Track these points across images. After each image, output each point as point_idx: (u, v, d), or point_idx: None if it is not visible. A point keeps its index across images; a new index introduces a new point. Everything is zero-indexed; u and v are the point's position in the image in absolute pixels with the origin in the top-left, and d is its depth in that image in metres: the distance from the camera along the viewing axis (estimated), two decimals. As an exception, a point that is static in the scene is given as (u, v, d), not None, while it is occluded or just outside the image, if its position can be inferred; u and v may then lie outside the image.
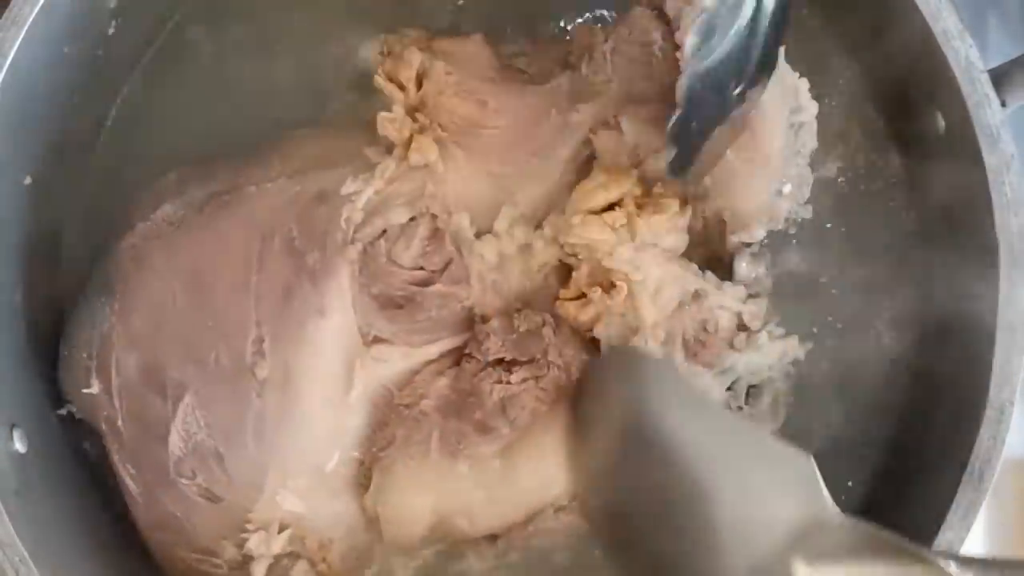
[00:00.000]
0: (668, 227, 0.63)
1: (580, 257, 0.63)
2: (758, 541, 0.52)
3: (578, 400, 0.61)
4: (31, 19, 0.60)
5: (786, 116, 0.64)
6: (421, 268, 0.64)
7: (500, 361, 0.63)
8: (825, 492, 0.52)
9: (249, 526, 0.63)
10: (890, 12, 0.63)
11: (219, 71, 0.72)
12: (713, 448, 0.54)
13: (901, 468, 0.69)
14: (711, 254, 0.67)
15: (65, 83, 0.67)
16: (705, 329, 0.63)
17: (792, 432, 0.68)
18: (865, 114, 0.71)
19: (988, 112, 0.61)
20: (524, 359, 0.62)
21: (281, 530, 0.63)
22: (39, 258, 0.68)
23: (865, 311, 0.70)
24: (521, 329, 0.63)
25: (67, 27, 0.64)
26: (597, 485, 0.58)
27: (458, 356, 0.65)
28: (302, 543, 0.64)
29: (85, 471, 0.68)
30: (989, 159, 0.61)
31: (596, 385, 0.61)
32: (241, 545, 0.63)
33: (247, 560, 0.64)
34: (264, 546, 0.63)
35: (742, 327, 0.64)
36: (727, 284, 0.64)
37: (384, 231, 0.64)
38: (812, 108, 0.64)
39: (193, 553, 0.64)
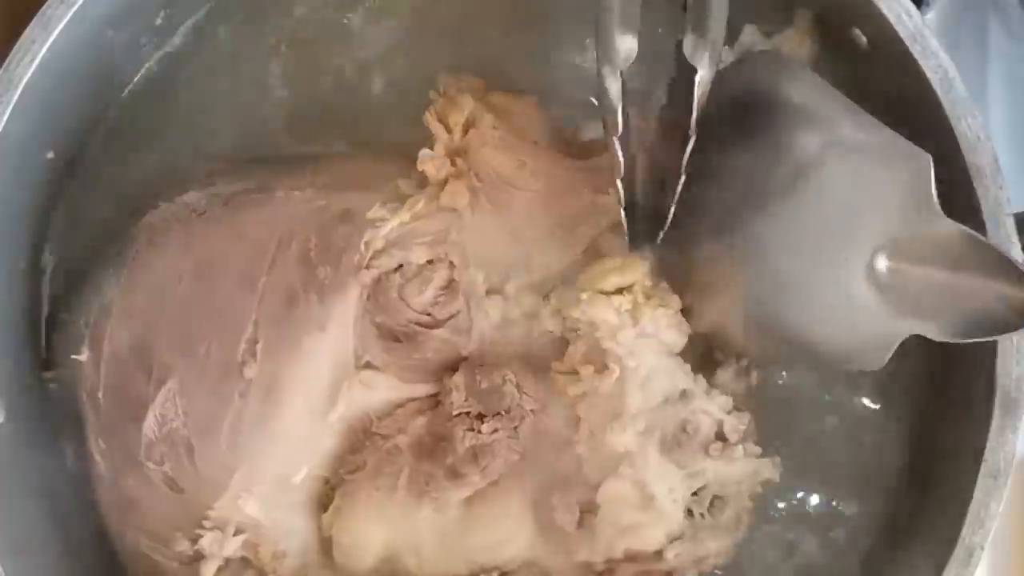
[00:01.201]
0: (670, 322, 0.63)
1: (580, 334, 0.64)
2: (858, 229, 0.55)
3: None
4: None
5: None
6: (429, 315, 0.64)
7: (470, 412, 0.63)
8: (934, 195, 0.53)
9: (206, 523, 0.64)
10: (928, 148, 0.63)
11: (259, 72, 0.72)
12: (843, 134, 0.56)
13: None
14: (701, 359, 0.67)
15: (105, 66, 0.68)
16: (684, 430, 0.63)
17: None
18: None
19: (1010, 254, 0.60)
20: (489, 414, 0.63)
21: (236, 533, 0.64)
22: (44, 233, 0.69)
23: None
24: (482, 386, 0.63)
25: (116, 11, 0.65)
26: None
27: (439, 401, 0.66)
28: (255, 551, 0.65)
29: (61, 465, 0.68)
30: (1005, 298, 0.60)
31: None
32: (194, 540, 0.64)
33: (197, 557, 0.64)
34: (217, 546, 0.63)
35: (720, 436, 0.63)
36: (715, 392, 0.64)
37: (400, 266, 0.65)
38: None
39: (145, 537, 0.65)
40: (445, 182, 0.65)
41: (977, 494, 0.60)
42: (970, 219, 0.61)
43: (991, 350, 0.61)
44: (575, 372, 0.64)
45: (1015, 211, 0.61)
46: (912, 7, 0.61)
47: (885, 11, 0.61)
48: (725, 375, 0.66)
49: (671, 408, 0.63)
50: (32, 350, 0.67)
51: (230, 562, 0.65)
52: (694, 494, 0.64)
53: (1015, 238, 0.60)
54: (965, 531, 0.60)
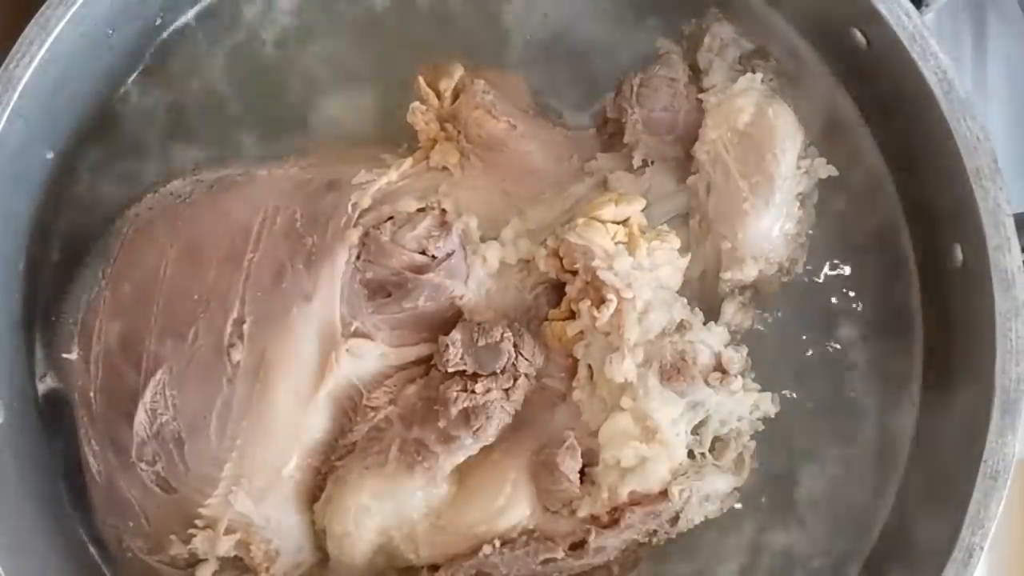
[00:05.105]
0: (667, 258, 0.64)
1: (576, 266, 0.64)
2: None
3: None
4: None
5: (799, 147, 0.65)
6: (423, 252, 0.64)
7: (464, 371, 0.63)
8: None
9: (198, 522, 0.63)
10: (929, 148, 0.64)
11: (255, 71, 0.72)
12: None
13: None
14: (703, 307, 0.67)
15: (102, 66, 0.68)
16: (683, 359, 0.62)
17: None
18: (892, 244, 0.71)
19: (1007, 257, 0.60)
20: (484, 372, 0.63)
21: (228, 532, 0.63)
22: (43, 234, 0.69)
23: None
24: (479, 344, 0.63)
25: (115, 12, 0.65)
26: None
27: (431, 366, 0.65)
28: (247, 550, 0.64)
29: (60, 465, 0.68)
30: (1001, 303, 0.60)
31: None
32: (188, 541, 0.63)
33: (192, 561, 0.64)
34: (208, 546, 0.63)
35: (719, 368, 0.63)
36: (712, 324, 0.65)
37: (391, 217, 0.65)
38: (824, 168, 0.66)
39: (141, 543, 0.65)
40: (433, 144, 0.66)
41: (977, 494, 0.60)
42: (970, 219, 0.61)
43: (990, 351, 0.61)
44: (571, 316, 0.64)
45: (1015, 211, 0.61)
46: (912, 8, 0.62)
47: (885, 12, 0.62)
48: (727, 308, 0.67)
49: (669, 339, 0.63)
50: (32, 352, 0.67)
51: (224, 565, 0.65)
52: (695, 432, 0.64)
53: (1015, 238, 0.60)
54: (965, 531, 0.60)
